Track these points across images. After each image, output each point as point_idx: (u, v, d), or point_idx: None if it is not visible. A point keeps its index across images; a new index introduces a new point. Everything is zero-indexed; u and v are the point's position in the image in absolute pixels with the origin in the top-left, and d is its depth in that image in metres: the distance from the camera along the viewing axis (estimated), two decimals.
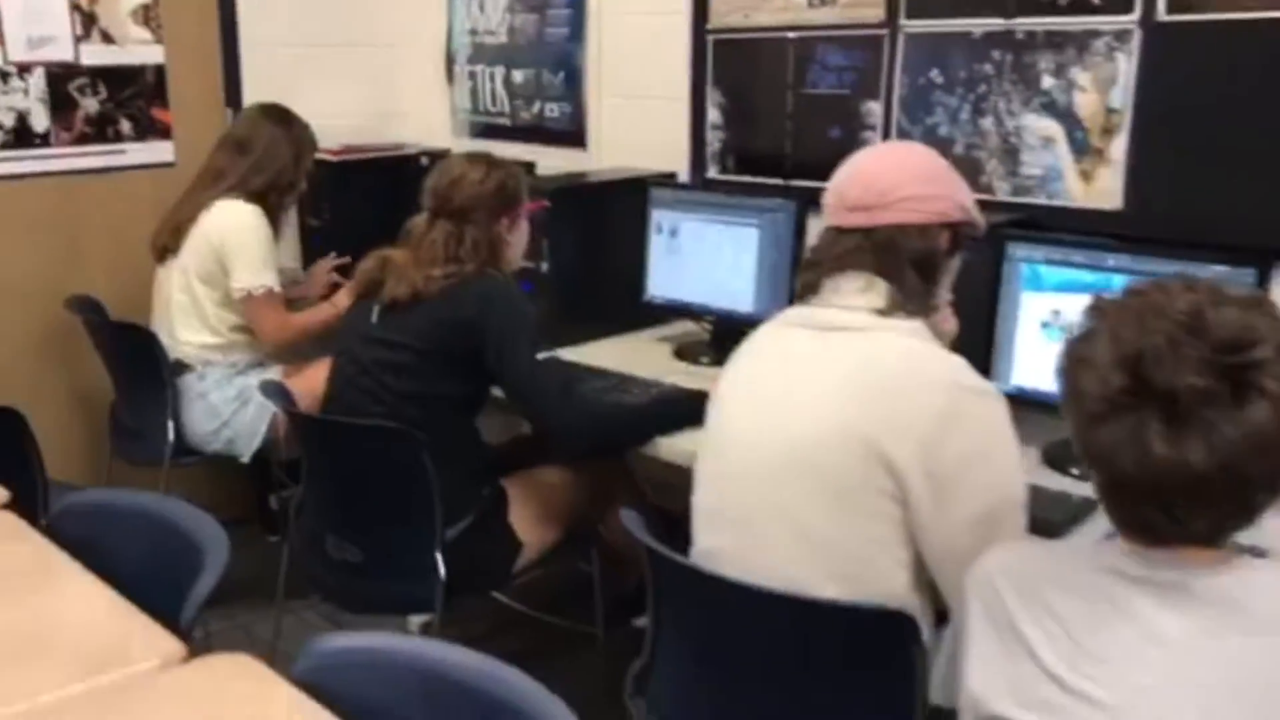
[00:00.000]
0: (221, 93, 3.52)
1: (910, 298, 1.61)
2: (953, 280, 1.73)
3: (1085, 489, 1.64)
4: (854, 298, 1.61)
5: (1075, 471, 1.98)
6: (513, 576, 2.35)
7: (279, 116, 3.00)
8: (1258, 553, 1.63)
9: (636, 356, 2.76)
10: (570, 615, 2.88)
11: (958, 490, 1.49)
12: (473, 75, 3.68)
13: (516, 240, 2.38)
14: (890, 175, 1.64)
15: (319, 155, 3.24)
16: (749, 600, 1.53)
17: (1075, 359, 1.22)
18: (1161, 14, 2.20)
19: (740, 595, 1.54)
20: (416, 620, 2.85)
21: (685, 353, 2.78)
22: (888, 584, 1.53)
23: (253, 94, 3.44)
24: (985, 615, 1.28)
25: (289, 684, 1.33)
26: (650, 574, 1.74)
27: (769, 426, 1.59)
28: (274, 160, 2.95)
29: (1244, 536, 1.27)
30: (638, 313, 2.91)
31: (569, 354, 2.74)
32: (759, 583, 1.51)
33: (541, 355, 2.17)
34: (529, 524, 2.32)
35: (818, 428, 1.53)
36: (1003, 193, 2.48)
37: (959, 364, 1.56)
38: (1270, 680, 1.11)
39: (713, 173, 3.04)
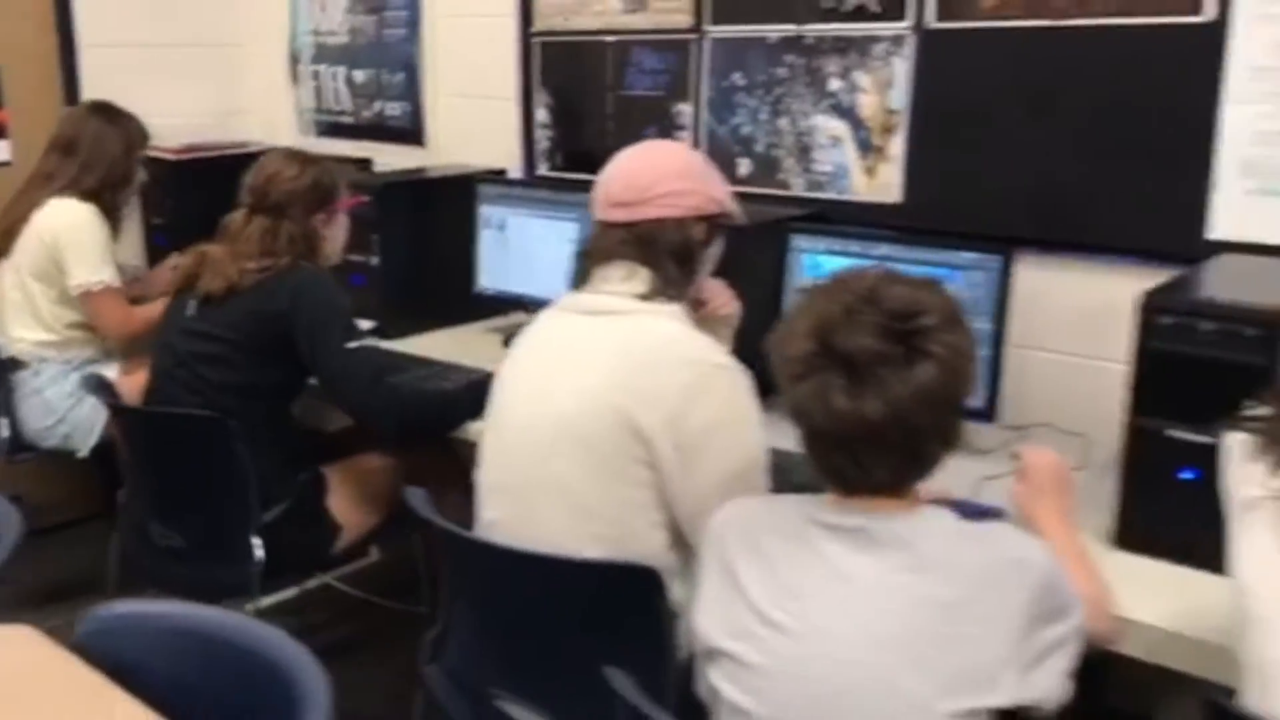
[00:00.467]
0: (60, 92, 3.54)
1: (669, 284, 1.76)
2: (714, 266, 1.89)
3: None
4: (618, 285, 1.76)
5: None
6: (332, 558, 2.44)
7: (104, 112, 3.04)
8: (995, 513, 1.82)
9: (467, 346, 2.87)
10: (404, 599, 2.98)
11: (703, 456, 1.64)
12: (316, 75, 3.76)
13: (334, 234, 2.48)
14: (648, 174, 1.78)
15: (157, 154, 3.28)
16: (517, 564, 1.67)
17: (783, 331, 1.37)
18: (931, 21, 2.39)
19: (510, 560, 1.68)
20: (250, 607, 2.93)
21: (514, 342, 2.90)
22: (645, 544, 1.67)
23: (92, 93, 3.46)
24: (713, 562, 1.43)
25: (67, 651, 1.42)
26: (442, 548, 1.86)
27: (539, 403, 1.73)
28: (103, 157, 2.98)
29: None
30: (470, 304, 3.03)
31: (402, 345, 2.85)
32: (527, 548, 1.65)
33: (354, 344, 2.27)
34: (348, 508, 2.42)
35: (580, 402, 1.67)
36: (799, 188, 2.65)
37: (706, 343, 1.71)
38: (930, 611, 1.27)
39: (543, 169, 3.16)
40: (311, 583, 3.15)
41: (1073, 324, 2.28)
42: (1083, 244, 2.25)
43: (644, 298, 1.73)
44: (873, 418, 1.28)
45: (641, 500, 1.66)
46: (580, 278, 1.82)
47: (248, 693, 1.33)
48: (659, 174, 1.78)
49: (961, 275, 2.16)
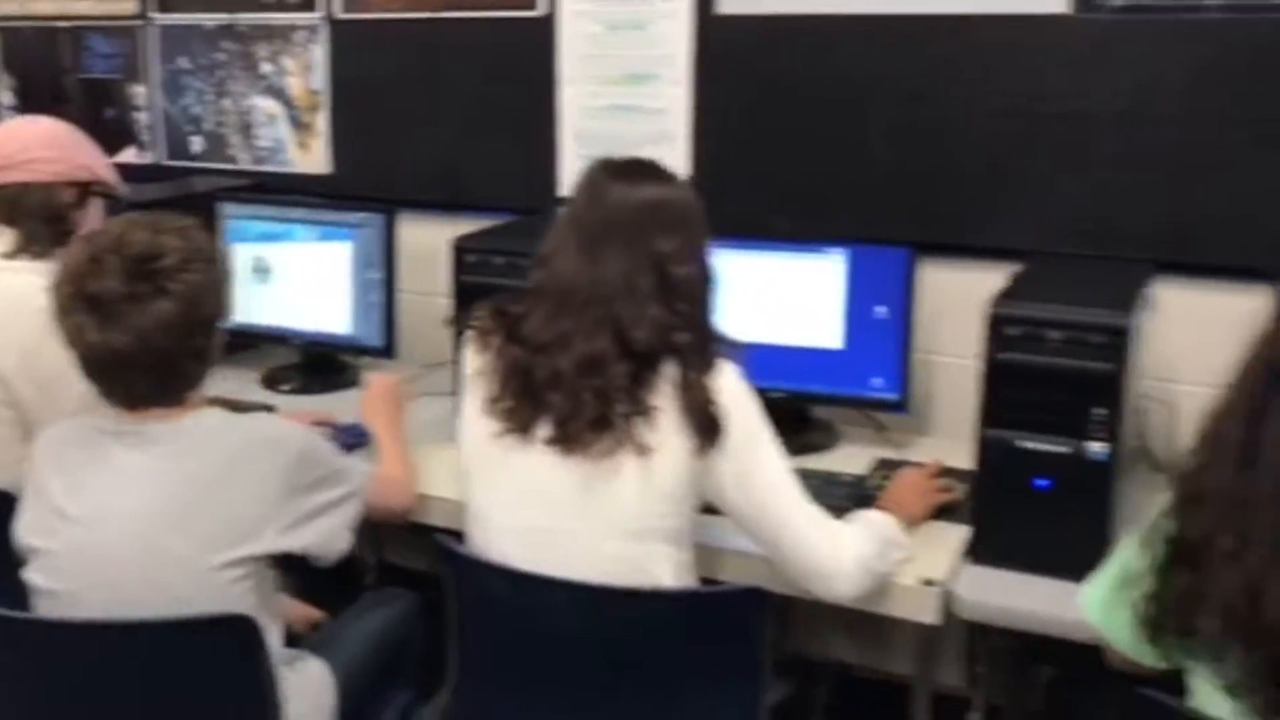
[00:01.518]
0: None
1: (35, 242, 1.96)
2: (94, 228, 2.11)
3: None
4: None
5: (286, 388, 2.49)
6: None
7: None
8: (362, 430, 2.13)
9: None
10: None
11: (60, 391, 1.86)
12: None
13: None
14: (14, 142, 1.99)
15: None
16: None
17: (52, 281, 1.59)
18: (338, 12, 2.71)
19: None
20: None
21: None
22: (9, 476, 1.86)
23: None
24: (31, 478, 1.63)
25: None
26: None
27: None
28: None
29: None
30: None
31: None
32: None
33: None
34: None
35: None
36: (245, 162, 2.90)
37: None
38: (187, 486, 1.54)
39: None
40: None
41: None
42: (468, 205, 2.64)
43: (8, 256, 1.93)
44: (119, 347, 1.51)
45: (5, 436, 1.86)
46: None
47: None
48: (24, 143, 1.98)
49: (358, 233, 2.49)
